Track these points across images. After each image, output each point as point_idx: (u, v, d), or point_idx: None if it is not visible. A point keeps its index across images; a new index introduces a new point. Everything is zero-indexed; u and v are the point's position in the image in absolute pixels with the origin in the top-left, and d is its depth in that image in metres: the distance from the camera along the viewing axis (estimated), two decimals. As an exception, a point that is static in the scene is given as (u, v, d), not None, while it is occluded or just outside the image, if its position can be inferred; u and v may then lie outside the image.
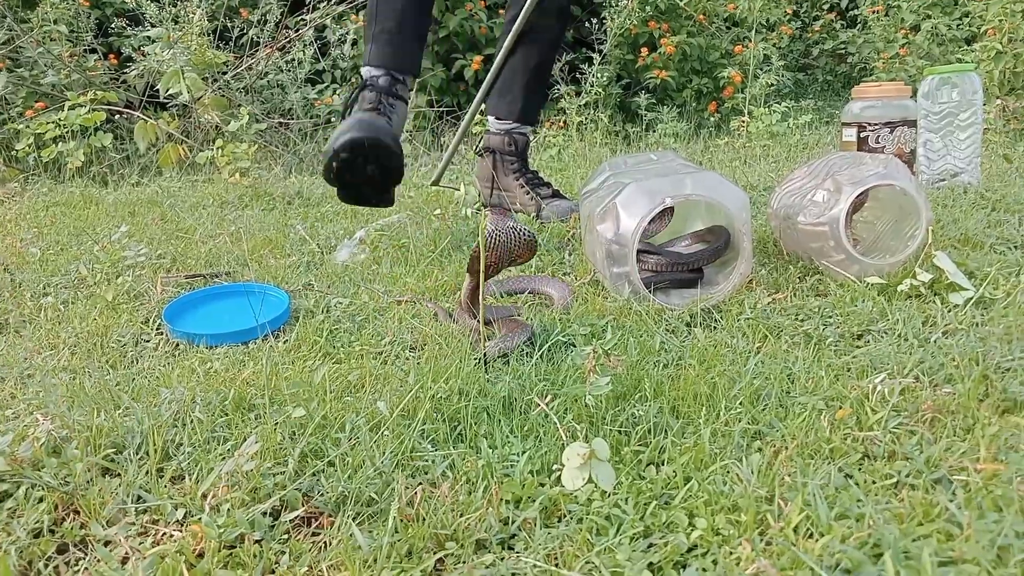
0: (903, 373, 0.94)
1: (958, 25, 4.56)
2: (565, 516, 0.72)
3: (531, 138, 2.39)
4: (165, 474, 0.82)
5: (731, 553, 0.64)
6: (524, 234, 1.15)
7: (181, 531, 0.73)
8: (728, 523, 0.68)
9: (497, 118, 2.12)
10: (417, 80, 1.89)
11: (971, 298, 1.16)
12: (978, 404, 0.86)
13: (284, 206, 2.44)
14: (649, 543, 0.67)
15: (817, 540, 0.64)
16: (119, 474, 0.82)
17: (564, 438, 0.82)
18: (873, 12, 4.77)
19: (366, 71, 1.74)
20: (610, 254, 1.28)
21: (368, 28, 1.77)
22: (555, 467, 0.78)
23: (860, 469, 0.76)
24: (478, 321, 1.16)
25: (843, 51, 5.13)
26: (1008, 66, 3.84)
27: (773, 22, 4.65)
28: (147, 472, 0.82)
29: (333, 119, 3.99)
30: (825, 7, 5.49)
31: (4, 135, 3.37)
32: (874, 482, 0.73)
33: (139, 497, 0.78)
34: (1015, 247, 1.43)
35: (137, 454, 0.85)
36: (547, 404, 0.87)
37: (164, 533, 0.73)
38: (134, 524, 0.74)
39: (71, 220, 2.23)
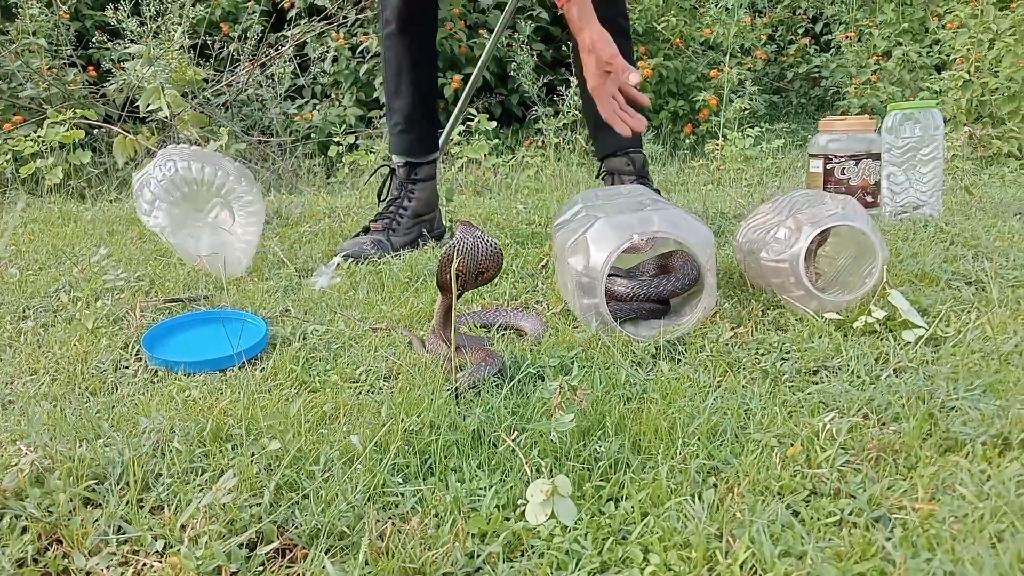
0: (852, 411, 0.99)
1: (928, 53, 4.68)
2: (528, 550, 0.76)
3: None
4: (145, 505, 0.85)
5: (681, 589, 0.69)
6: (491, 245, 1.20)
7: (161, 562, 0.76)
8: (679, 559, 0.72)
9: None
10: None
11: (922, 336, 1.21)
12: (921, 443, 0.91)
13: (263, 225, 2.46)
14: (606, 578, 0.71)
15: (761, 577, 0.69)
16: (101, 504, 0.85)
17: (529, 473, 0.86)
18: (846, 38, 4.89)
19: None
20: (580, 286, 1.33)
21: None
22: (520, 501, 0.82)
23: (807, 506, 0.81)
24: (450, 349, 1.20)
25: (817, 75, 5.25)
26: (975, 94, 3.95)
27: (748, 47, 4.75)
28: (128, 503, 0.85)
29: (313, 135, 4.03)
30: (800, 32, 5.61)
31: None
32: (819, 519, 0.78)
33: (120, 528, 0.81)
34: (969, 283, 1.48)
35: (118, 484, 0.88)
36: (514, 439, 0.91)
37: (144, 564, 0.76)
38: (115, 554, 0.77)
39: (49, 238, 2.25)
